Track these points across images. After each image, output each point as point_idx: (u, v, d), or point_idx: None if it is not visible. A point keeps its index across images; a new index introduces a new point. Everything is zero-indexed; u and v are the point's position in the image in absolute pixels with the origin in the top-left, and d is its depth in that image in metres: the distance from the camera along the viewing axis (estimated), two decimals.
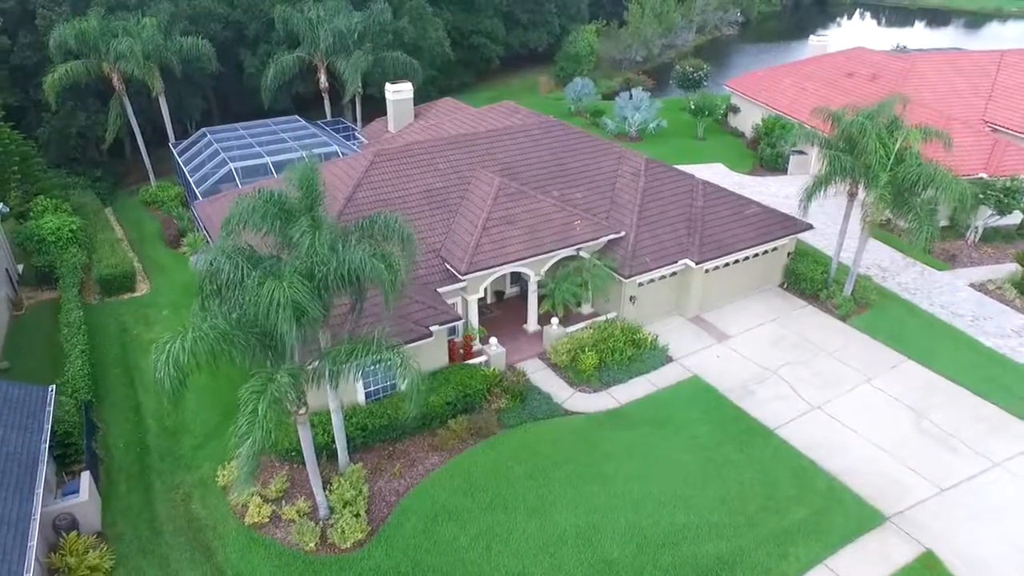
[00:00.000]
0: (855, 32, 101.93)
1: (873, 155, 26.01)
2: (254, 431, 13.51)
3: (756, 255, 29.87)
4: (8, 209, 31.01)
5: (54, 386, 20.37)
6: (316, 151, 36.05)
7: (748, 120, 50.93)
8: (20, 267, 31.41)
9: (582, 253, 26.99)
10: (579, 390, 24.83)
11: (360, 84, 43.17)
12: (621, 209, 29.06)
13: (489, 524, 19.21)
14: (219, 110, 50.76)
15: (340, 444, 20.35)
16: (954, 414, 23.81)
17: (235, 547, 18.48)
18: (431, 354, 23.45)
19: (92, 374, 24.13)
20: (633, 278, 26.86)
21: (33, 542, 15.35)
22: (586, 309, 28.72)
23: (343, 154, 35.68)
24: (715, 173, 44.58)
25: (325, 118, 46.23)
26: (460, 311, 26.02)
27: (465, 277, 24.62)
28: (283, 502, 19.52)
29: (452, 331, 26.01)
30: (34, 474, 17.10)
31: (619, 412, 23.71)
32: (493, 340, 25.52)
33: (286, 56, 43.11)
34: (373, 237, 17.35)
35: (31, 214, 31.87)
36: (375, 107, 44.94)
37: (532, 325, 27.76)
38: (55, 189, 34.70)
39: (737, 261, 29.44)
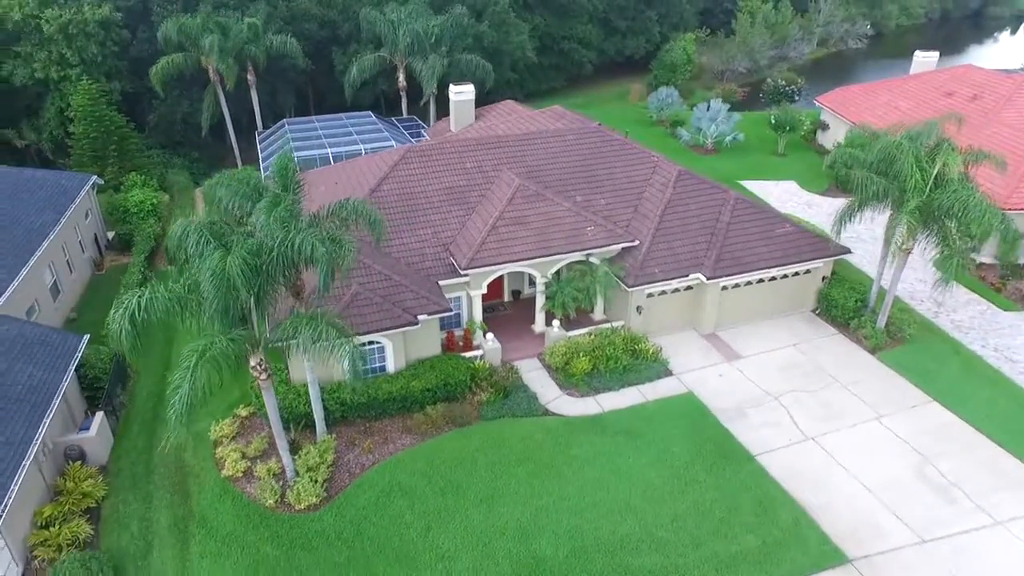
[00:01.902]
0: (1014, 50, 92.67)
1: (909, 178, 24.43)
2: (184, 384, 15.19)
3: (784, 276, 28.70)
4: (103, 181, 35.38)
5: (87, 336, 23.32)
6: (373, 145, 38.40)
7: (835, 138, 48.34)
8: (111, 234, 35.68)
9: (592, 259, 27.15)
10: (567, 393, 25.08)
11: (435, 85, 45.12)
12: (642, 218, 28.90)
13: (438, 507, 20.04)
14: (315, 104, 54.64)
15: (317, 414, 21.92)
16: (966, 464, 21.97)
17: (208, 494, 20.48)
18: (423, 342, 24.58)
19: None
20: (639, 288, 26.70)
21: (27, 461, 17.89)
22: (597, 315, 28.80)
23: None
24: (784, 191, 42.90)
25: (402, 115, 48.68)
26: (464, 305, 27.07)
27: (465, 272, 25.53)
28: (259, 460, 21.32)
29: (455, 323, 27.16)
30: (47, 406, 19.81)
31: (599, 419, 23.75)
32: (490, 336, 26.29)
33: (368, 56, 45.88)
34: (344, 220, 18.65)
35: (122, 187, 36.14)
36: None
37: (539, 326, 28.23)
38: (149, 167, 39.02)
39: (761, 280, 28.47)
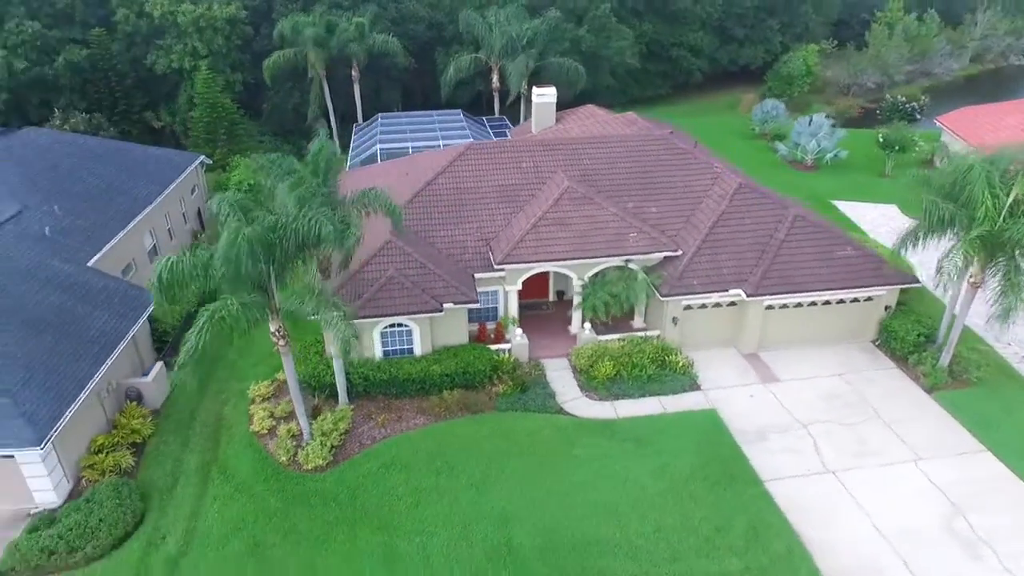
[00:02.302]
0: None
1: (979, 205, 22.50)
2: (192, 338, 17.12)
3: (840, 302, 27.17)
4: (211, 161, 39.38)
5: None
6: (452, 141, 39.98)
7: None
8: None
9: (632, 265, 27.05)
10: (586, 395, 25.23)
11: (524, 86, 46.19)
12: (692, 229, 28.38)
13: (430, 485, 21.00)
14: (419, 100, 57.31)
15: (340, 385, 23.57)
16: (1005, 521, 20.00)
17: (234, 446, 22.64)
18: (450, 330, 25.64)
19: None
20: (674, 298, 26.31)
21: (84, 394, 20.70)
22: (637, 323, 28.62)
23: None
24: (881, 215, 40.20)
25: (494, 115, 50.15)
26: (501, 300, 27.83)
27: (499, 267, 26.31)
28: (284, 421, 23.24)
29: (491, 316, 28.02)
30: (112, 350, 22.72)
31: (611, 423, 23.74)
32: (518, 331, 26.90)
33: (464, 56, 47.71)
34: (366, 206, 20.05)
35: (228, 167, 40.04)
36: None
37: (575, 327, 28.47)
38: (254, 150, 42.85)
39: (814, 304, 27.12)
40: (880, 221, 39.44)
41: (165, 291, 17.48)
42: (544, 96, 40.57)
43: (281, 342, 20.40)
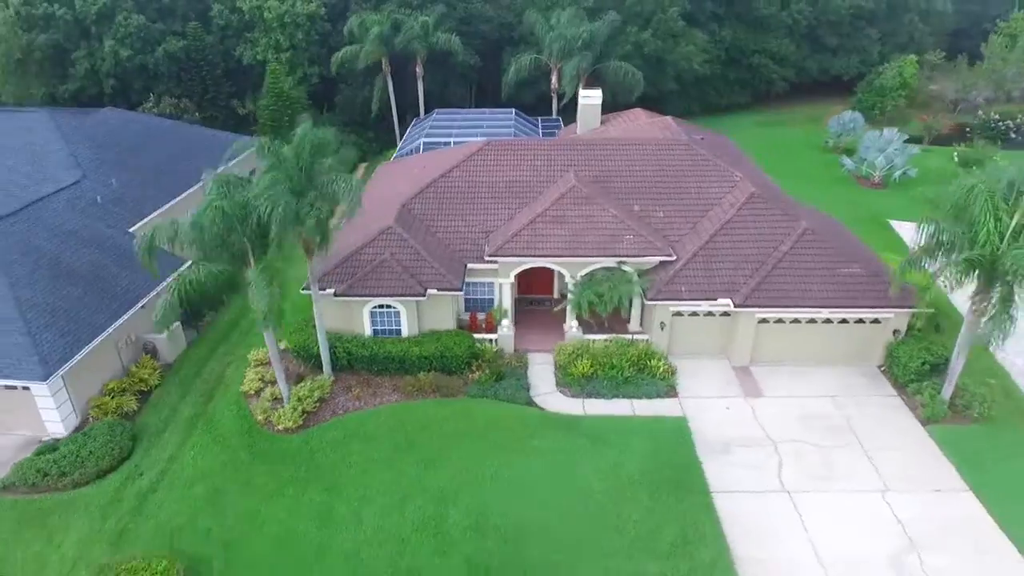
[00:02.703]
0: None
1: (981, 227, 21.05)
2: (165, 295, 19.23)
3: (843, 321, 25.99)
4: None
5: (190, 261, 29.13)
6: (492, 138, 41.03)
7: None
8: None
9: (625, 267, 27.10)
10: (560, 391, 25.58)
11: (576, 87, 46.58)
12: (695, 235, 28.02)
13: (384, 457, 22.20)
14: (486, 98, 58.87)
15: (324, 357, 25.25)
16: (960, 563, 18.75)
17: (223, 402, 24.83)
18: (437, 315, 26.75)
19: None
20: (660, 303, 26.14)
21: (96, 341, 23.53)
22: (633, 326, 28.57)
23: None
24: None
25: (551, 116, 50.82)
26: (496, 292, 28.61)
27: (490, 259, 27.13)
28: (271, 384, 25.17)
29: (486, 306, 28.88)
30: (132, 306, 25.55)
31: (575, 420, 24.00)
32: (506, 323, 27.60)
33: (525, 56, 48.69)
34: (334, 192, 21.53)
35: None
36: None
37: (569, 324, 28.79)
38: None
39: (813, 321, 26.11)
40: None
41: (147, 252, 19.64)
42: (590, 98, 40.92)
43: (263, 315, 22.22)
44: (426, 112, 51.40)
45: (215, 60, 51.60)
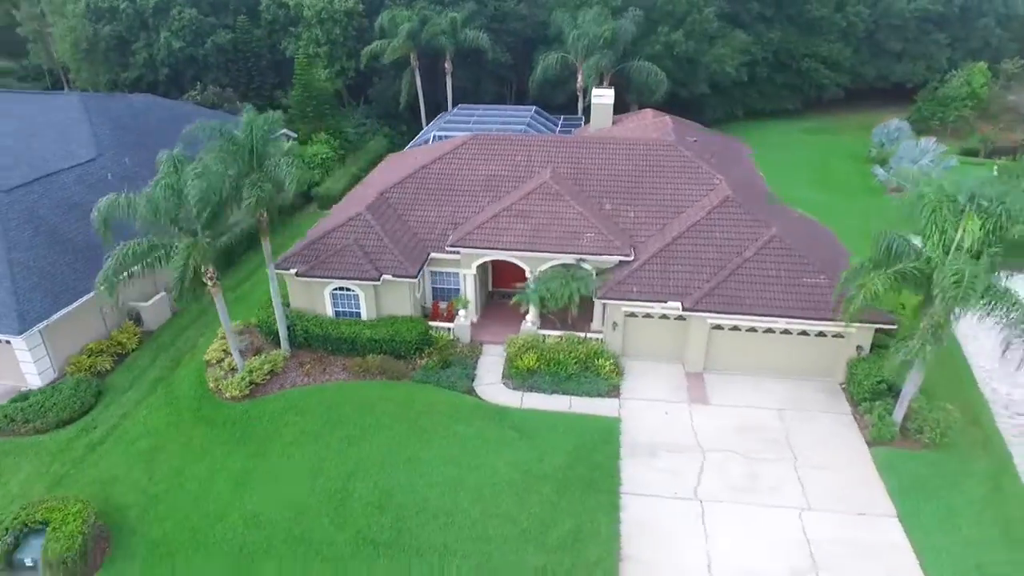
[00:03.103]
0: None
1: (926, 239, 19.96)
2: (107, 262, 20.84)
3: (803, 333, 25.01)
4: (296, 135, 44.64)
5: None
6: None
7: None
8: None
9: (585, 264, 27.04)
10: (503, 382, 25.83)
11: (595, 84, 46.44)
12: (661, 237, 27.61)
13: (314, 430, 23.15)
14: (516, 96, 59.33)
15: (281, 333, 26.55)
16: None
17: (186, 369, 26.53)
18: (395, 300, 27.54)
19: None
20: (611, 302, 25.94)
21: (74, 305, 25.63)
22: (596, 323, 28.41)
23: None
24: None
25: (576, 115, 50.75)
26: (461, 282, 29.09)
27: (451, 248, 27.68)
28: (231, 355, 26.68)
29: (451, 295, 29.45)
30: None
31: (508, 411, 24.21)
32: (462, 312, 28.07)
33: (551, 55, 48.85)
34: (277, 175, 22.66)
35: (309, 142, 45.11)
36: (624, 109, 47.61)
37: (529, 318, 28.94)
38: (337, 128, 47.62)
39: (771, 331, 25.25)
40: None
41: (103, 223, 21.36)
42: (602, 97, 40.81)
43: (210, 283, 23.70)
44: (454, 107, 52.44)
45: (261, 52, 54.45)
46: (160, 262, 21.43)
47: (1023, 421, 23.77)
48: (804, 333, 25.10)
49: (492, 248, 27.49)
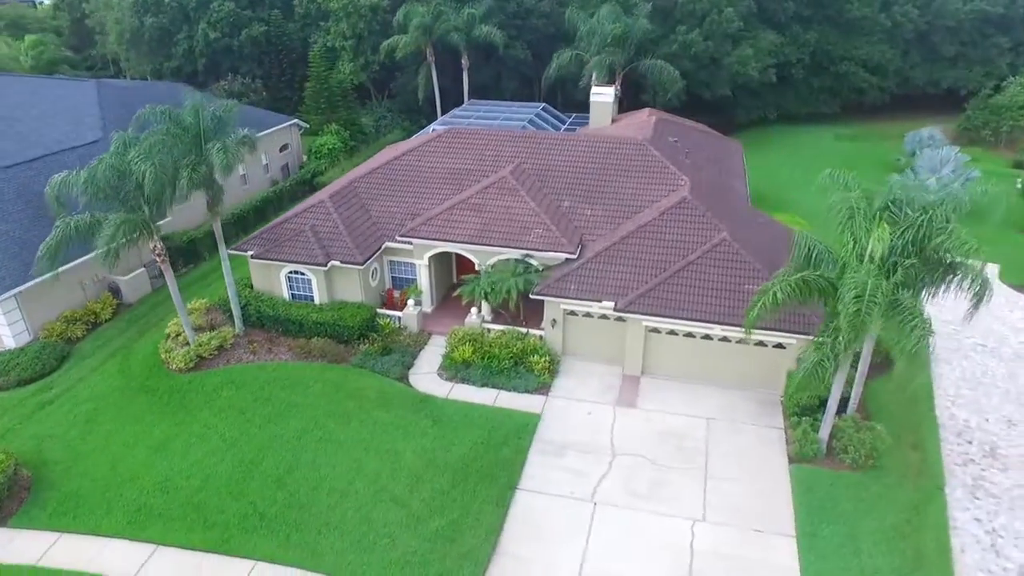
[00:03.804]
0: None
1: (844, 249, 19.01)
2: (51, 236, 22.36)
3: (740, 341, 24.16)
4: (307, 126, 46.20)
5: (169, 218, 32.78)
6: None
7: None
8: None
9: (532, 260, 26.98)
10: (438, 373, 26.10)
11: (618, 85, 45.89)
12: (612, 236, 27.21)
13: (242, 406, 24.05)
14: (537, 93, 59.14)
15: (235, 312, 27.72)
16: None
17: (147, 340, 28.06)
18: (346, 286, 28.26)
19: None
20: (548, 299, 25.78)
21: (48, 276, 27.38)
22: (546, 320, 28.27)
23: None
24: None
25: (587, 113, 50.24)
26: (417, 272, 29.51)
27: (402, 239, 28.16)
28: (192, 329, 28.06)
29: (406, 284, 29.95)
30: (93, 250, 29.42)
31: (431, 400, 24.44)
32: (411, 302, 28.48)
33: (566, 52, 48.57)
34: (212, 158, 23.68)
35: (320, 132, 46.59)
36: (636, 108, 46.88)
37: (484, 310, 28.99)
38: (354, 120, 48.90)
39: (709, 338, 24.51)
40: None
41: (55, 199, 22.92)
42: (601, 95, 40.47)
43: (158, 258, 25.04)
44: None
45: (292, 45, 56.54)
46: (91, 233, 22.71)
47: (972, 449, 22.20)
48: (743, 342, 24.21)
49: (442, 240, 27.79)
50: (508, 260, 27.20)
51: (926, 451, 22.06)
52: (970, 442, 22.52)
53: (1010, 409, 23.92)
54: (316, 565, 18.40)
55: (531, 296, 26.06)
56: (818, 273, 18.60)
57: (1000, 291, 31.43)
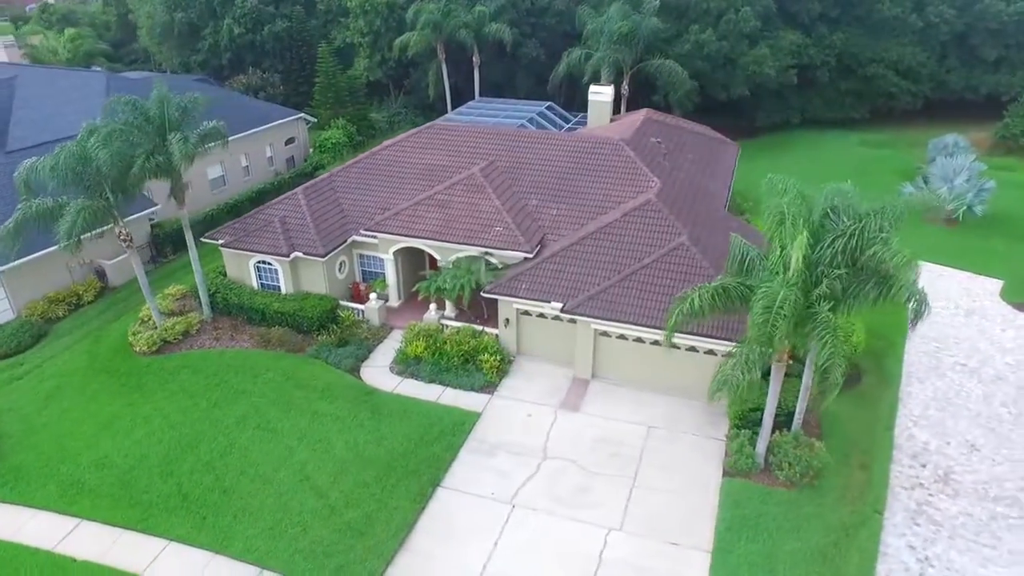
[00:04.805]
0: None
1: (771, 254, 18.27)
2: (10, 220, 23.35)
3: (691, 349, 23.46)
4: (316, 120, 47.03)
5: (159, 206, 33.90)
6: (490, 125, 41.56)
7: None
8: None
9: (491, 258, 26.82)
10: (390, 366, 26.19)
11: (625, 85, 45.37)
12: (573, 236, 26.80)
13: (193, 390, 24.61)
14: (561, 91, 58.65)
15: (203, 299, 28.43)
16: None
17: (121, 322, 29.02)
18: (311, 277, 28.65)
19: None
20: (500, 298, 25.57)
21: (30, 257, 28.70)
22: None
23: None
24: (967, 289, 31.46)
25: None
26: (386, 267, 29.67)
27: (367, 233, 28.35)
28: (162, 313, 28.91)
29: (375, 277, 30.17)
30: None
31: (376, 394, 24.50)
32: (373, 296, 28.66)
33: (575, 51, 48.08)
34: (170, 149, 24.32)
35: (327, 127, 47.36)
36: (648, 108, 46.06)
37: (448, 308, 29.00)
38: (362, 115, 49.49)
39: (658, 344, 23.86)
40: (956, 295, 30.91)
41: (25, 184, 23.95)
42: (600, 95, 39.87)
43: (124, 244, 25.88)
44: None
45: (313, 41, 57.58)
46: (53, 218, 23.61)
47: (924, 473, 21.01)
48: (693, 349, 23.50)
49: (405, 235, 27.88)
50: (469, 257, 27.09)
51: (874, 472, 21.02)
52: (924, 465, 21.34)
53: (976, 434, 22.55)
54: (224, 548, 18.73)
55: (482, 295, 25.89)
56: (739, 280, 17.90)
57: (998, 309, 29.77)
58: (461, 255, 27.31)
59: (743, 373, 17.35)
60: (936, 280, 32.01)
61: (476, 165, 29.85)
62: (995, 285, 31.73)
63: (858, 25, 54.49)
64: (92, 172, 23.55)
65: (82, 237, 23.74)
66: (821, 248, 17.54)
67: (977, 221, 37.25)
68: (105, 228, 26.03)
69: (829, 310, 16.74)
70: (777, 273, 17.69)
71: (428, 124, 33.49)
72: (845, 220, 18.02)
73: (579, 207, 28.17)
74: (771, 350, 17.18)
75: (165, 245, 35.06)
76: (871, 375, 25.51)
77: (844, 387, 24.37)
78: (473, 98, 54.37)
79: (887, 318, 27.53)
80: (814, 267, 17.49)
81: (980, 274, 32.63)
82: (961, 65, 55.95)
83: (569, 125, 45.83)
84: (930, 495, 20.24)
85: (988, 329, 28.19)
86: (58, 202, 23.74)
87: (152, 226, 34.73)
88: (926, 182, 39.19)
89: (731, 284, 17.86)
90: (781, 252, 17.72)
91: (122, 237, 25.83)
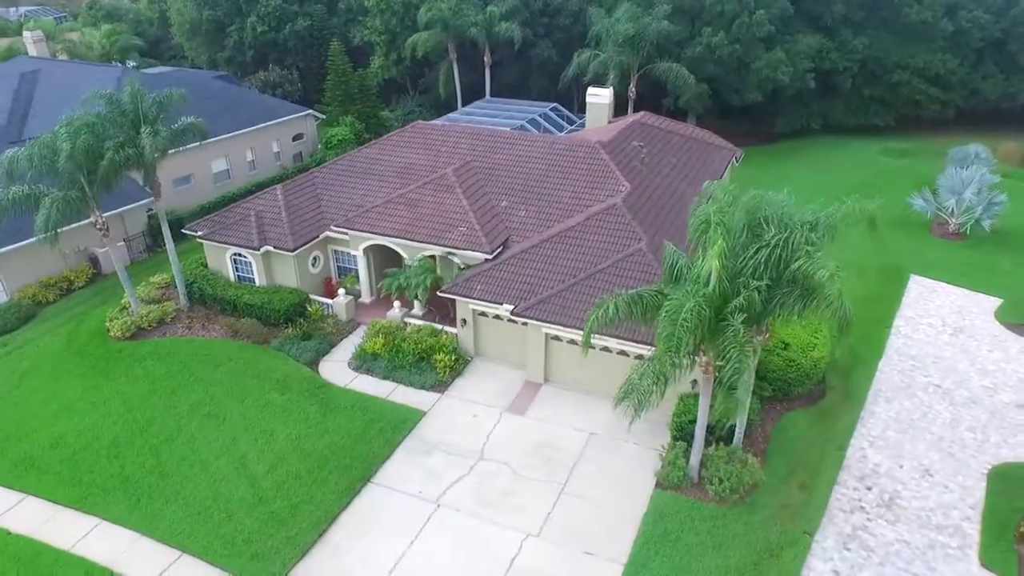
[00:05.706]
0: None
1: (696, 264, 17.84)
2: None
3: (639, 357, 23.09)
4: (324, 117, 47.90)
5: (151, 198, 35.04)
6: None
7: None
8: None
9: (454, 258, 26.93)
10: (348, 362, 26.51)
11: (632, 87, 44.95)
12: (537, 237, 26.67)
13: (157, 376, 25.42)
14: (574, 92, 58.29)
15: (179, 289, 29.32)
16: None
17: (107, 308, 30.09)
18: (283, 271, 29.25)
19: None
20: (456, 298, 25.62)
21: (23, 244, 30.08)
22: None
23: None
24: (961, 308, 30.12)
25: None
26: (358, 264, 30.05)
27: (337, 229, 28.76)
28: (142, 301, 29.92)
29: (349, 273, 30.60)
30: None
31: (328, 388, 24.80)
32: (341, 291, 29.04)
33: (585, 53, 47.76)
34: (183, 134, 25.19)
35: (335, 123, 48.17)
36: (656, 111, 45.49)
37: (416, 305, 29.17)
38: (371, 113, 50.16)
39: (607, 350, 23.59)
40: (947, 312, 29.58)
41: (7, 175, 25.11)
42: (597, 97, 39.58)
43: (101, 232, 26.89)
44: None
45: (332, 39, 58.58)
46: (37, 207, 24.66)
47: (868, 496, 20.18)
48: (641, 357, 23.09)
49: (372, 232, 28.17)
50: (433, 257, 27.24)
51: (814, 492, 20.29)
52: (869, 488, 20.49)
53: (934, 458, 21.53)
54: (150, 530, 19.32)
55: (438, 294, 25.99)
56: (655, 290, 17.52)
57: (989, 329, 28.33)
58: (426, 254, 27.47)
59: (653, 383, 16.94)
60: (928, 295, 30.69)
61: (451, 165, 29.97)
62: (992, 304, 30.19)
63: (884, 29, 52.53)
64: (64, 163, 24.49)
65: (70, 227, 24.70)
66: (744, 259, 17.03)
67: (986, 236, 35.54)
68: (86, 221, 27.13)
69: (743, 322, 16.22)
70: (698, 283, 17.25)
71: (411, 124, 33.73)
72: (771, 230, 17.43)
73: (548, 209, 28.00)
74: (680, 362, 16.72)
75: (159, 235, 36.15)
76: (836, 392, 24.64)
77: (805, 404, 24.05)
78: (482, 97, 54.66)
79: (865, 334, 26.75)
80: (735, 278, 16.99)
81: (978, 291, 31.08)
82: (997, 72, 53.38)
83: (572, 127, 45.63)
84: (869, 519, 19.42)
85: (973, 349, 26.86)
86: (33, 190, 24.78)
87: (149, 217, 35.95)
88: (934, 194, 37.53)
89: (646, 292, 17.49)
90: (702, 261, 17.26)
91: (99, 227, 26.82)
